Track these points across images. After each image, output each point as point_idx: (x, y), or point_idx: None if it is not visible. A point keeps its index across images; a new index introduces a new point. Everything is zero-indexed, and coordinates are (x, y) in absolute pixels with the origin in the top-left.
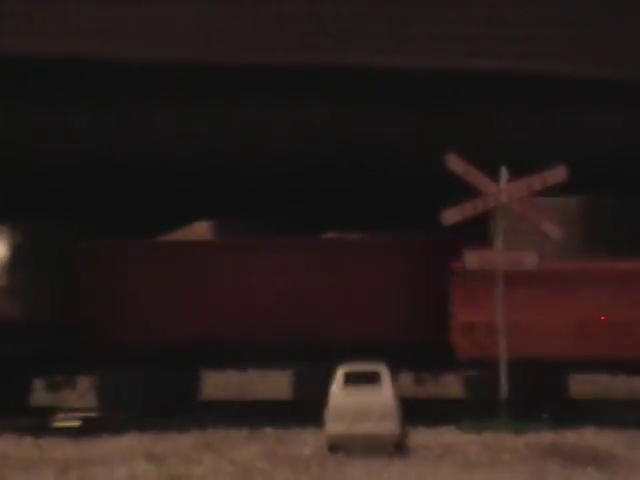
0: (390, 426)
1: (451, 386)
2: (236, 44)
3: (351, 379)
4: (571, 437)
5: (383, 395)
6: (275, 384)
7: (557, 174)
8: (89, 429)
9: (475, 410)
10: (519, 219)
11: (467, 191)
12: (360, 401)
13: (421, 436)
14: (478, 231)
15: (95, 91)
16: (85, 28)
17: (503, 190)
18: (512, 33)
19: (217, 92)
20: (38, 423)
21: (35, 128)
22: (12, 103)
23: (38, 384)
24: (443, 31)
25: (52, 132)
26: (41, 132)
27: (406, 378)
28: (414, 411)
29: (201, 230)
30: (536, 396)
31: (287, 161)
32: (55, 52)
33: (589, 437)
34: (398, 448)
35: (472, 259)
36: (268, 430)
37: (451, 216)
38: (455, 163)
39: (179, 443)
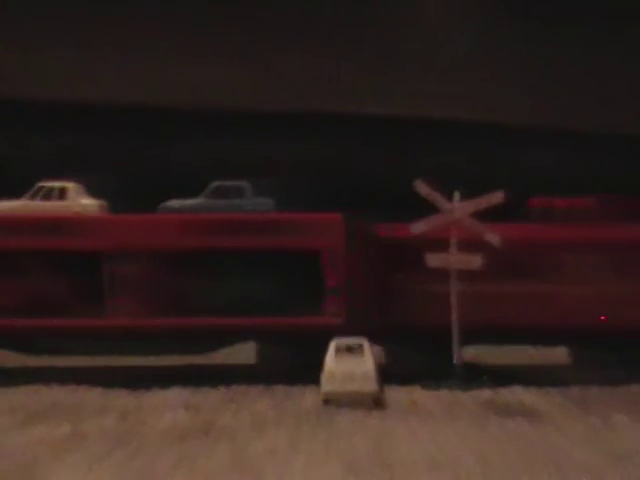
0: (370, 386)
1: None
2: (250, 95)
3: (341, 350)
4: (505, 394)
5: (365, 362)
6: None
7: (497, 196)
8: None
9: (434, 373)
10: (469, 230)
11: None
12: (347, 366)
13: (394, 393)
14: None
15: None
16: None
17: (457, 208)
18: (466, 91)
19: (230, 132)
20: None
21: None
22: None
23: None
24: (416, 88)
25: None
26: None
27: None
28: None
29: None
30: None
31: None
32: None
33: (518, 394)
34: (376, 402)
35: (434, 259)
36: (278, 387)
37: (418, 228)
38: (422, 187)
39: (210, 396)
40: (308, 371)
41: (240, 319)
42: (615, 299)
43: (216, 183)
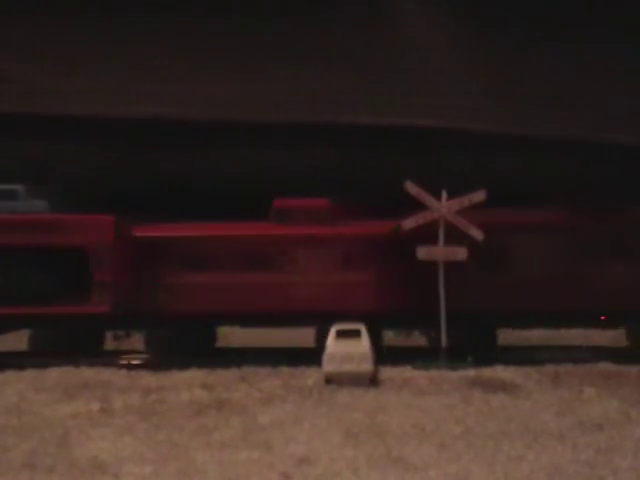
0: (367, 366)
1: None
2: (257, 107)
3: (341, 334)
4: (487, 372)
5: (362, 345)
6: None
7: (479, 195)
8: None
9: (424, 354)
10: (454, 225)
11: None
12: (346, 349)
13: (388, 372)
14: None
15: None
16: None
17: (443, 206)
18: (445, 103)
19: (244, 141)
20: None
21: None
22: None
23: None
24: (405, 101)
25: None
26: None
27: None
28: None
29: None
30: None
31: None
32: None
33: (499, 372)
34: (372, 381)
35: (422, 252)
36: (284, 368)
37: (408, 223)
38: (411, 187)
39: (224, 376)
40: (310, 354)
41: (16, 308)
42: (339, 287)
43: None
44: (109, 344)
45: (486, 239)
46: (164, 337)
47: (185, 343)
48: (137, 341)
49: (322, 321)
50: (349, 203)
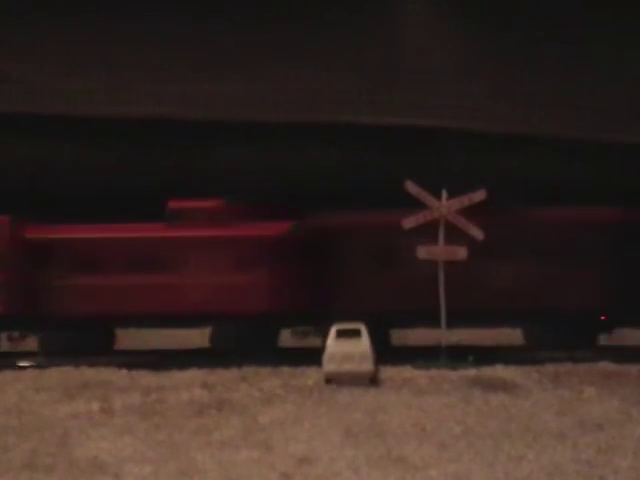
0: (367, 366)
1: None
2: (257, 107)
3: (341, 334)
4: (487, 371)
5: (362, 345)
6: None
7: (479, 195)
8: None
9: (424, 354)
10: (454, 224)
11: None
12: (346, 348)
13: (388, 372)
14: None
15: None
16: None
17: (443, 205)
18: (445, 103)
19: (244, 141)
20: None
21: None
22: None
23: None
24: (405, 101)
25: None
26: None
27: None
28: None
29: None
30: None
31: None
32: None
33: (499, 371)
34: (372, 380)
35: (422, 251)
36: (284, 368)
37: (409, 222)
38: (412, 187)
39: (224, 376)
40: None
41: None
42: (232, 289)
43: None
44: (4, 345)
45: (375, 241)
46: (58, 338)
47: (80, 344)
48: (33, 342)
49: (217, 322)
50: (245, 204)
